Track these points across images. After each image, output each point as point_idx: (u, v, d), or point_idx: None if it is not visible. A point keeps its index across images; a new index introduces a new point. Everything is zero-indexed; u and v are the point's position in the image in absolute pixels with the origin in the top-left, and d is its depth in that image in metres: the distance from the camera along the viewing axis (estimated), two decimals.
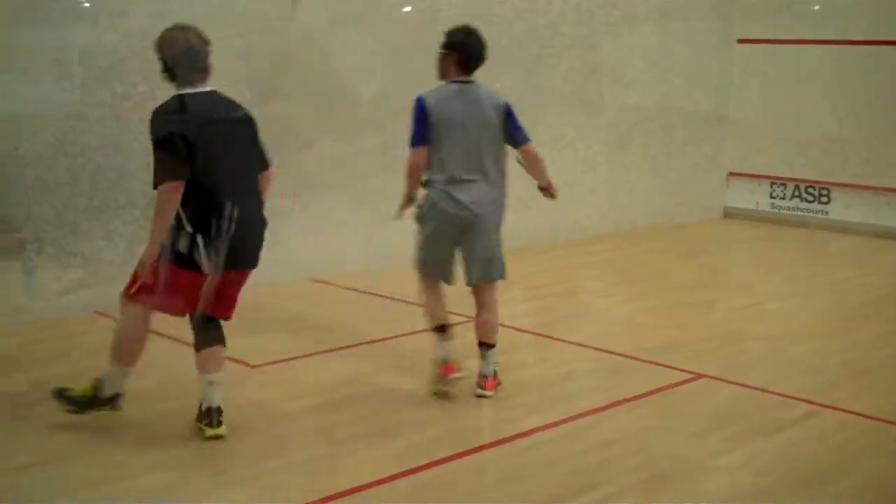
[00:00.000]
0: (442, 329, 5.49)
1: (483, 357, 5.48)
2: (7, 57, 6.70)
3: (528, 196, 9.43)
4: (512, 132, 5.40)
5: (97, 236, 7.03)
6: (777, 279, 8.94)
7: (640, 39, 10.86)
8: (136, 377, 5.37)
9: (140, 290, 4.73)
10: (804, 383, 5.89)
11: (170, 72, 4.75)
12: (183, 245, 4.66)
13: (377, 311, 7.33)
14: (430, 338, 5.55)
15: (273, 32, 7.83)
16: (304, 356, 6.20)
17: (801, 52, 11.31)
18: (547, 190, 5.71)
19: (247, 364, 5.98)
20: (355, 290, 7.86)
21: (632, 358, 6.34)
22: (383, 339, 6.46)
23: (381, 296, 7.40)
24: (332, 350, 6.33)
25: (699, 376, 6.00)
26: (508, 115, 5.38)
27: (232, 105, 4.83)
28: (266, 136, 7.82)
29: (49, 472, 4.48)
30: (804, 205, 11.44)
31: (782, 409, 5.49)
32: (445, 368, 5.43)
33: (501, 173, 5.43)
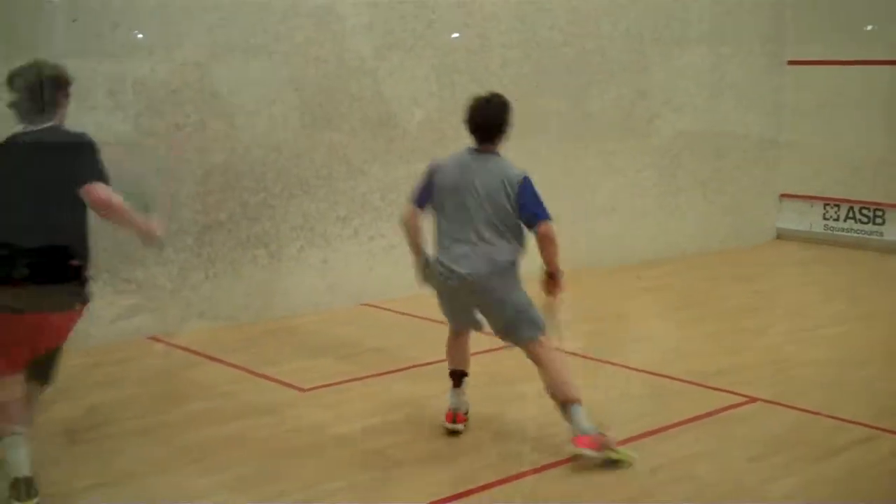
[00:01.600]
0: (454, 375, 5.41)
1: (564, 419, 5.07)
2: None
3: (577, 220, 9.48)
4: (522, 209, 4.99)
5: (150, 263, 7.13)
6: (832, 302, 8.82)
7: (690, 62, 10.82)
8: (195, 400, 5.45)
9: None
10: (860, 408, 5.80)
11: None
12: None
13: (428, 335, 7.32)
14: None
15: (323, 61, 7.93)
16: (356, 379, 6.23)
17: (853, 72, 11.22)
18: (551, 279, 5.11)
19: (299, 388, 6.02)
20: (406, 314, 7.89)
21: (683, 381, 6.29)
22: (434, 363, 6.47)
23: (431, 320, 7.40)
24: (383, 374, 6.36)
25: (753, 400, 5.93)
26: (522, 191, 4.99)
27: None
28: (317, 163, 7.97)
29: (110, 493, 4.53)
30: (858, 226, 11.30)
31: (838, 434, 5.41)
32: (448, 416, 5.34)
33: (509, 239, 5.04)
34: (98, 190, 4.29)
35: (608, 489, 4.65)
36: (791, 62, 11.61)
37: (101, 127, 6.94)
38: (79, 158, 4.32)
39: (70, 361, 6.39)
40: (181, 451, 5.01)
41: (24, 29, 6.63)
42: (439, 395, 5.47)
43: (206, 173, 7.37)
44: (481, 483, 4.65)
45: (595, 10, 9.78)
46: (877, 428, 5.45)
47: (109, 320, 6.98)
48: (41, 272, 4.24)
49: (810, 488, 4.70)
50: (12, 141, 4.36)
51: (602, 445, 4.91)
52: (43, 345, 4.36)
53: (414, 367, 6.47)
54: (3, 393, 4.31)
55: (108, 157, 4.43)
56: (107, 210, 4.34)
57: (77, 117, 6.90)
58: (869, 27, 11.32)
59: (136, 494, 4.50)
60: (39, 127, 4.34)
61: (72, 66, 6.77)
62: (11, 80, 4.40)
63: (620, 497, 4.57)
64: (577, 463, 4.89)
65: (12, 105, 4.38)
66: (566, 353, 6.61)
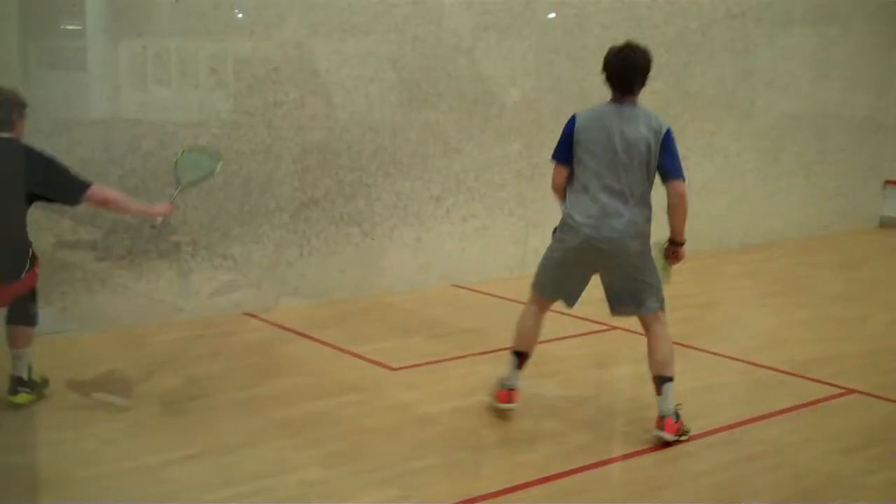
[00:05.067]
0: (518, 355, 5.27)
1: (657, 393, 5.04)
2: (168, 66, 7.01)
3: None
4: (663, 161, 4.92)
5: (247, 240, 7.27)
6: None
7: (795, 43, 10.57)
8: (288, 376, 5.54)
9: None
10: None
11: None
12: None
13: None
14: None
15: (421, 40, 7.95)
16: (446, 360, 6.26)
17: None
18: (673, 245, 5.07)
19: (389, 367, 6.08)
20: (497, 296, 7.90)
21: (778, 371, 6.18)
22: None
23: (521, 303, 7.42)
24: (473, 355, 6.38)
25: (850, 392, 5.80)
26: (666, 142, 4.91)
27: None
28: (413, 141, 8.01)
29: (212, 463, 4.64)
30: None
31: None
32: (500, 394, 5.25)
33: (646, 199, 5.00)
34: (96, 194, 5.14)
35: (701, 476, 4.60)
36: None
37: (203, 105, 7.10)
38: (59, 177, 5.09)
39: (170, 335, 6.63)
40: (274, 425, 5.11)
41: (130, 10, 6.79)
42: (527, 377, 5.45)
43: (304, 151, 7.47)
44: (568, 468, 4.64)
45: None
46: None
47: (207, 295, 7.14)
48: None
49: None
50: None
51: (679, 432, 4.92)
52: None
53: (503, 349, 6.46)
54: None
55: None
56: (108, 205, 5.30)
57: (181, 95, 7.13)
58: None
59: (229, 466, 4.60)
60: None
61: (174, 45, 7.00)
62: None
63: (713, 483, 4.52)
64: (668, 450, 4.85)
65: None
66: None
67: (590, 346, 6.53)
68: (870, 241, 11.08)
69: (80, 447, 4.76)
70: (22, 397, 5.22)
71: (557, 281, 5.17)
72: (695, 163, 9.76)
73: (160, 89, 7.09)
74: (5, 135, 5.09)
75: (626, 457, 4.80)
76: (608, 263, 5.01)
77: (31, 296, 5.28)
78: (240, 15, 7.20)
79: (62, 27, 6.88)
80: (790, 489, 4.49)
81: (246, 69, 7.23)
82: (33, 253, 5.14)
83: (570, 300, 5.23)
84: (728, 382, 6.09)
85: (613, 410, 5.44)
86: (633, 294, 5.03)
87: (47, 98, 6.56)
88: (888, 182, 11.51)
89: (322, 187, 7.60)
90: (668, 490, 4.47)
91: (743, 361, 6.37)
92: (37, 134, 6.25)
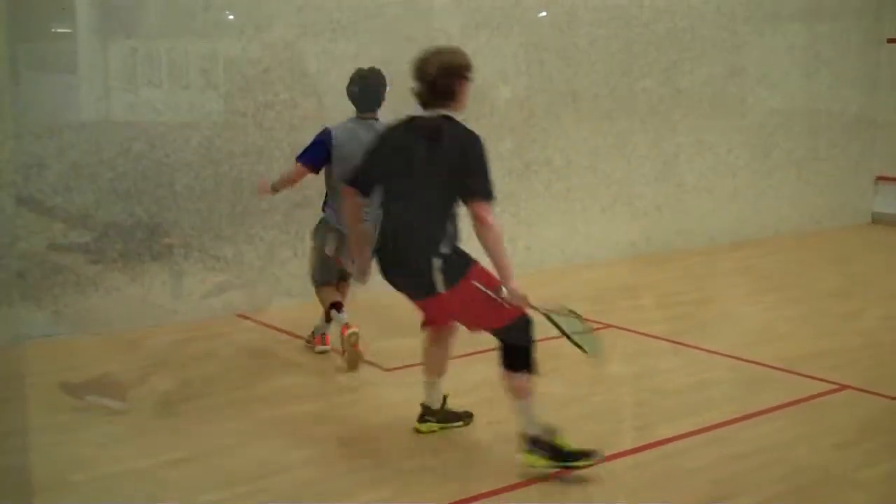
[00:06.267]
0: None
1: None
2: (158, 68, 7.01)
3: (667, 199, 9.37)
4: None
5: (240, 240, 7.27)
6: None
7: (784, 40, 10.60)
8: (281, 377, 5.53)
9: None
10: None
11: None
12: None
13: None
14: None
15: (412, 40, 7.93)
16: None
17: None
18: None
19: (382, 368, 6.08)
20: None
21: (771, 367, 6.19)
22: None
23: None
24: (466, 355, 6.36)
25: (842, 387, 5.81)
26: None
27: None
28: None
29: (203, 465, 4.64)
30: None
31: None
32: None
33: None
34: None
35: (696, 473, 4.61)
36: (890, 40, 11.28)
37: (194, 106, 7.10)
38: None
39: (163, 337, 6.62)
40: (268, 426, 5.12)
41: (119, 12, 6.79)
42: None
43: (296, 151, 7.44)
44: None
45: None
46: None
47: (200, 296, 7.13)
48: None
49: None
50: None
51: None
52: None
53: (493, 349, 6.46)
54: None
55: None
56: None
57: (171, 96, 7.12)
58: None
59: (223, 467, 4.60)
60: None
61: (165, 47, 6.99)
62: None
63: (708, 480, 4.52)
64: (662, 448, 4.86)
65: None
66: (648, 336, 6.59)
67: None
68: (861, 236, 11.11)
69: (74, 450, 4.76)
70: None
71: None
72: (686, 161, 9.78)
73: (151, 91, 7.09)
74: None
75: (619, 455, 4.80)
76: None
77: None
78: (230, 16, 7.20)
79: (52, 29, 6.87)
80: (784, 485, 4.50)
81: (236, 70, 7.22)
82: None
83: None
84: (720, 379, 6.09)
85: (605, 409, 5.44)
86: None
87: (37, 101, 6.55)
88: (879, 178, 11.55)
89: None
90: (663, 487, 4.48)
91: (735, 358, 6.38)
92: (27, 136, 6.26)
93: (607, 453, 4.68)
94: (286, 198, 7.43)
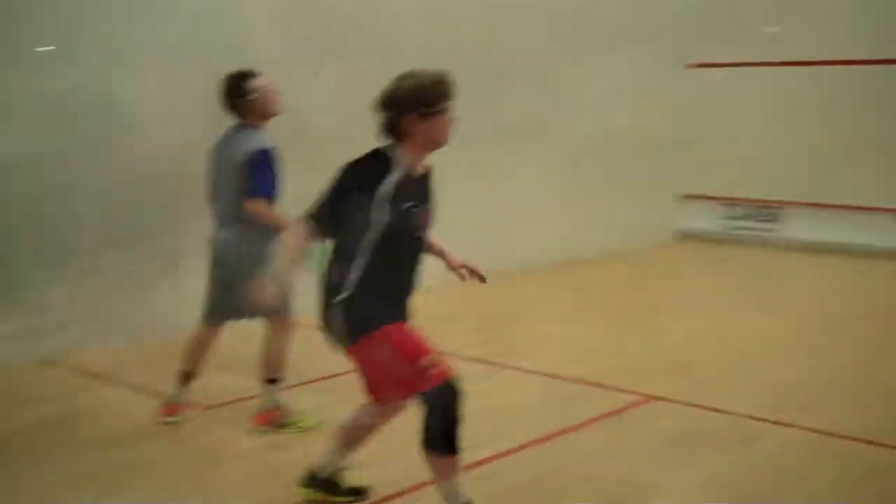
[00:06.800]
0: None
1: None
2: None
3: (485, 224, 9.56)
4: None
5: (46, 282, 7.02)
6: (731, 300, 9.06)
7: (593, 66, 10.99)
8: (94, 424, 5.35)
9: None
10: (758, 403, 5.98)
11: None
12: None
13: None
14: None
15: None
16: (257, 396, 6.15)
17: (752, 74, 11.58)
18: None
19: (201, 406, 5.97)
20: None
21: (583, 383, 6.41)
22: (336, 376, 6.29)
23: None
24: (291, 387, 6.29)
25: (650, 399, 6.08)
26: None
27: None
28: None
29: None
30: (755, 224, 11.67)
31: (737, 430, 5.57)
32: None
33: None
34: None
35: (510, 495, 4.72)
36: (692, 65, 11.89)
37: None
38: None
39: None
40: (84, 477, 4.96)
41: None
42: (345, 406, 5.43)
43: (111, 187, 7.26)
44: (394, 490, 4.72)
45: (500, 18, 9.92)
46: (774, 422, 5.63)
47: None
48: None
49: (710, 482, 4.84)
50: None
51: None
52: None
53: (320, 379, 6.45)
54: None
55: None
56: None
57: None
58: (769, 30, 11.64)
59: None
60: None
61: None
62: None
63: (524, 499, 4.64)
64: (478, 469, 4.94)
65: None
66: (466, 359, 6.70)
67: None
68: (668, 253, 11.60)
69: None
70: None
71: None
72: (498, 185, 9.98)
73: None
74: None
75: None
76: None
77: None
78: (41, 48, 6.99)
79: None
80: (597, 499, 4.65)
81: (42, 103, 6.99)
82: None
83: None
84: (534, 396, 6.25)
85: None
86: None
87: None
88: (685, 196, 12.11)
89: (127, 225, 7.42)
90: None
91: (548, 375, 6.57)
92: None
93: (424, 480, 4.72)
94: (98, 236, 7.22)
